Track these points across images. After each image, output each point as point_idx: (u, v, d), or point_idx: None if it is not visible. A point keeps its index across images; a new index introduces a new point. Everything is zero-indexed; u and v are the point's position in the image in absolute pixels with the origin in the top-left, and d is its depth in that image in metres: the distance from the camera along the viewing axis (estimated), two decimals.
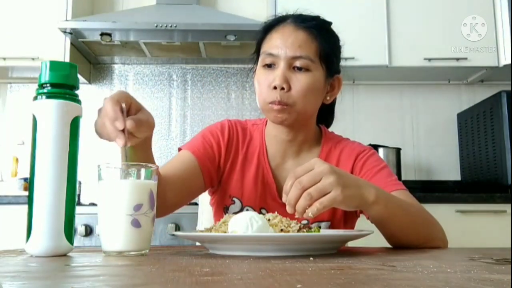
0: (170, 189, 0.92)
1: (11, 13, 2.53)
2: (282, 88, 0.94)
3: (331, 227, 1.01)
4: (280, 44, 0.96)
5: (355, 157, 1.03)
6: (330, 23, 1.04)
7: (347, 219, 1.04)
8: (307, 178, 0.71)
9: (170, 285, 0.39)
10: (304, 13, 1.03)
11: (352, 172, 1.01)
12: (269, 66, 0.97)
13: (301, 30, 0.96)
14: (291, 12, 1.03)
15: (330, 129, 1.14)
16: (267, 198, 1.03)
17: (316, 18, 1.01)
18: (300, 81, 0.94)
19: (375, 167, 1.00)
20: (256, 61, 1.05)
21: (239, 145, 1.06)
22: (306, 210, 0.70)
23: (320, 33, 0.98)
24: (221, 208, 1.05)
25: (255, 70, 1.04)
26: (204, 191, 1.06)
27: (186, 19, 2.46)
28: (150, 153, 0.87)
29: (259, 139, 1.07)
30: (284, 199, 0.72)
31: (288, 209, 0.71)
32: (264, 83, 0.97)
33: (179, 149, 1.04)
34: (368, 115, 2.91)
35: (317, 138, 1.08)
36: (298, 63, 0.95)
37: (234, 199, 1.04)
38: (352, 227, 1.07)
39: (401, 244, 0.86)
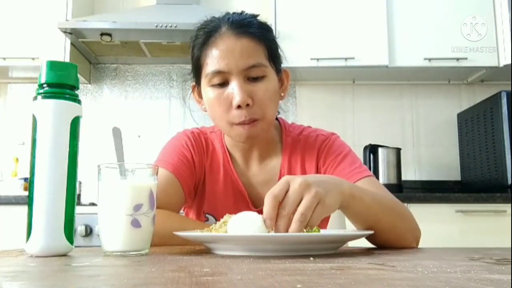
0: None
1: (11, 13, 2.53)
2: (247, 105, 0.88)
3: None
4: (228, 59, 0.88)
5: (318, 149, 1.00)
6: (257, 16, 0.96)
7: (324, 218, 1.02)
8: (291, 202, 0.65)
9: (170, 285, 0.39)
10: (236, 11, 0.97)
11: (317, 165, 0.99)
12: (220, 85, 0.90)
13: (243, 37, 0.89)
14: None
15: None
16: (241, 208, 0.96)
17: (248, 17, 0.94)
18: (260, 91, 0.89)
19: (338, 155, 0.97)
20: (196, 81, 0.97)
21: (203, 157, 1.01)
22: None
23: (261, 32, 0.91)
24: None
25: (194, 89, 0.99)
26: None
27: (186, 19, 2.45)
28: None
29: (221, 146, 1.03)
30: (268, 225, 0.66)
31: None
32: (223, 104, 0.89)
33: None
34: (368, 115, 2.91)
35: (277, 134, 1.04)
36: (253, 74, 0.89)
37: (207, 215, 1.00)
38: (327, 224, 1.04)
39: (377, 240, 0.82)
